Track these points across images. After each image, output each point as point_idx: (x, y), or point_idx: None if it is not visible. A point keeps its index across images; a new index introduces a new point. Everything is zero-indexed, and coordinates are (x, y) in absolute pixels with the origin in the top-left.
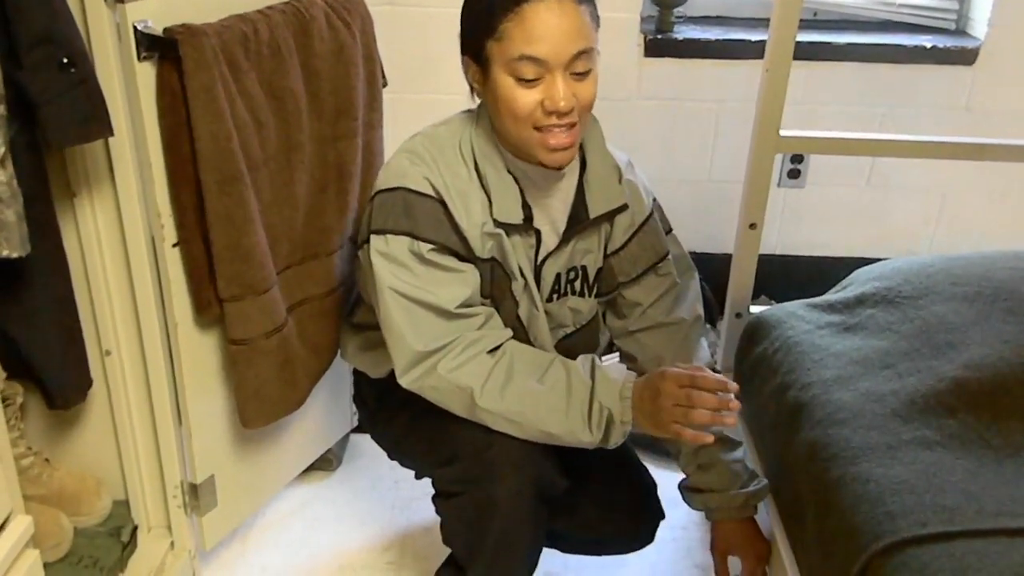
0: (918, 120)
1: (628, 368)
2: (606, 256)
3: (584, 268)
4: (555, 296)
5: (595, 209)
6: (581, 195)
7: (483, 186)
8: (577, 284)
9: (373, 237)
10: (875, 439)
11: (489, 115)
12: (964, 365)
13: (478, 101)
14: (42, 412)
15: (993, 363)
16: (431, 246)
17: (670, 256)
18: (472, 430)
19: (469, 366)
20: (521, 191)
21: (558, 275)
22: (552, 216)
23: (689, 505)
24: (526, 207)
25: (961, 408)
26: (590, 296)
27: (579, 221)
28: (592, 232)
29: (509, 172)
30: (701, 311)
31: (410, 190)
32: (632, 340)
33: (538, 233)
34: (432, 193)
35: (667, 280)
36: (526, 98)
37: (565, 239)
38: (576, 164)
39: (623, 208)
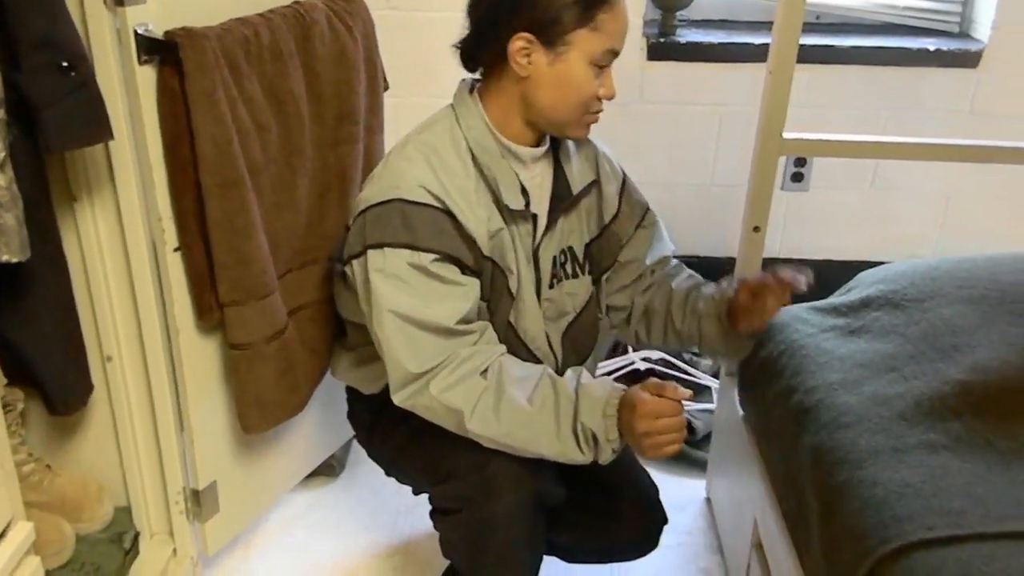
0: (922, 123)
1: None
2: (606, 225)
3: (571, 248)
4: (555, 281)
5: (576, 185)
6: (560, 174)
7: (484, 177)
8: (568, 267)
9: (370, 252)
10: (881, 443)
11: (528, 94)
12: (970, 368)
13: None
14: (43, 418)
15: (999, 366)
16: (434, 256)
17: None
18: (469, 448)
19: (460, 387)
20: (516, 176)
21: (554, 258)
22: (540, 199)
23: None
24: (524, 193)
25: (967, 411)
26: (583, 275)
27: (562, 199)
28: (573, 210)
29: (503, 158)
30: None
31: (406, 200)
32: (625, 295)
33: (535, 218)
34: (430, 201)
35: (652, 229)
36: (593, 86)
37: (551, 220)
38: (547, 145)
39: (596, 181)
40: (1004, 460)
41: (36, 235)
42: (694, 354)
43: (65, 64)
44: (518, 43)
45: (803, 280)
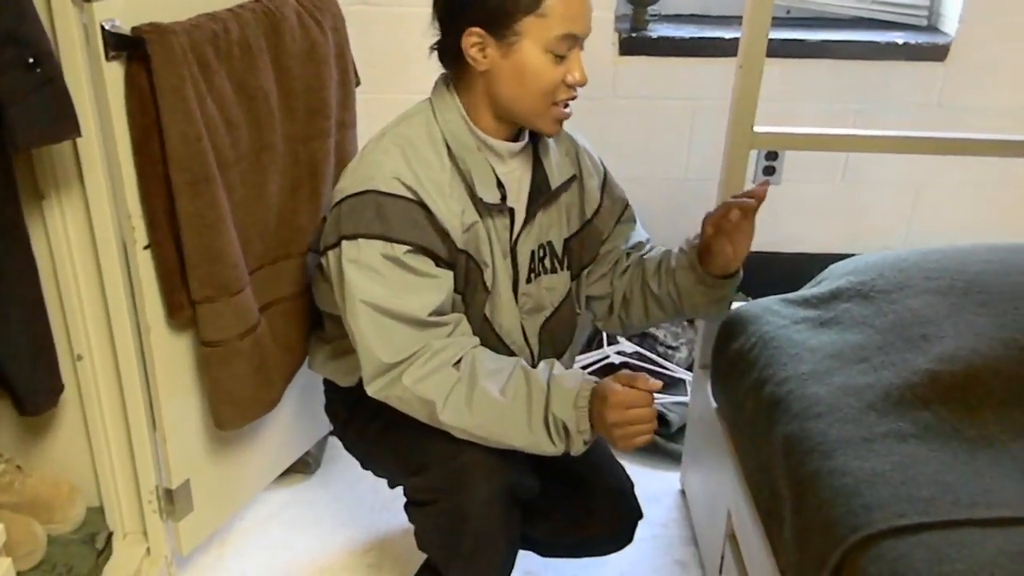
0: (891, 116)
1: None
2: (588, 220)
3: (550, 243)
4: (532, 276)
5: (555, 179)
6: (539, 168)
7: (459, 170)
8: (547, 261)
9: (344, 243)
10: (851, 432)
11: (491, 88)
12: (938, 358)
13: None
14: (13, 418)
15: (966, 355)
16: (407, 247)
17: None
18: (442, 440)
19: (433, 378)
20: (492, 170)
21: (532, 253)
22: (518, 194)
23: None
24: (500, 187)
25: (935, 400)
26: (562, 270)
27: (541, 193)
28: (552, 205)
29: (479, 151)
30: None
31: (380, 192)
32: (604, 283)
33: (512, 212)
34: (404, 193)
35: (631, 224)
36: (555, 74)
37: (530, 214)
38: (525, 140)
39: (576, 176)
40: (971, 448)
41: (4, 233)
42: (670, 347)
43: (31, 60)
44: (471, 39)
45: (762, 185)
